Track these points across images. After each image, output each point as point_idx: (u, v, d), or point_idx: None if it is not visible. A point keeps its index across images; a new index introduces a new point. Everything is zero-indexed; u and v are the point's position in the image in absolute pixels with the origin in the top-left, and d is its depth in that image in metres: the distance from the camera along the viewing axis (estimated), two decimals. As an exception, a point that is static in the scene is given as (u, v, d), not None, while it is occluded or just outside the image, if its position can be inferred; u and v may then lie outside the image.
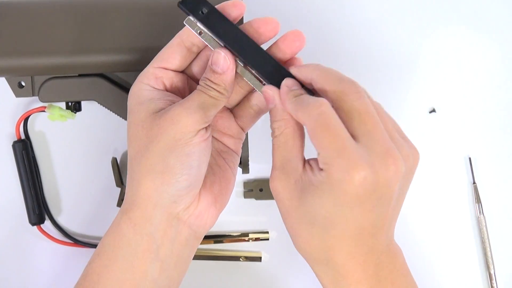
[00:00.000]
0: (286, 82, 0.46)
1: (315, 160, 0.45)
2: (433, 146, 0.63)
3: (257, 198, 0.62)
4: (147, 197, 0.46)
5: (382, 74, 0.62)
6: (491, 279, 0.62)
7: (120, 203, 0.61)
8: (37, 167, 0.62)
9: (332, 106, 0.43)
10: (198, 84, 0.47)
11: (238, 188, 0.63)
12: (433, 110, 0.62)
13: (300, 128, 0.47)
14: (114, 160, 0.62)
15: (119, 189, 0.62)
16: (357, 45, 0.62)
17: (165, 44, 0.54)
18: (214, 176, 0.50)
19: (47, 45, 0.54)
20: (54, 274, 0.63)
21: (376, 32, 0.62)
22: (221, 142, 0.52)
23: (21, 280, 0.63)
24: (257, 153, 0.62)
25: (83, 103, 0.60)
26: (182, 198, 0.47)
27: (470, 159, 0.62)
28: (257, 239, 0.63)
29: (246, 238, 0.63)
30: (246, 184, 0.63)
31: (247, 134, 0.58)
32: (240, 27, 0.48)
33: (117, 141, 0.62)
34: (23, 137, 0.62)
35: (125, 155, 0.63)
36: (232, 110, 0.52)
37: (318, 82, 0.45)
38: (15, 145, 0.61)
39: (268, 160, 0.62)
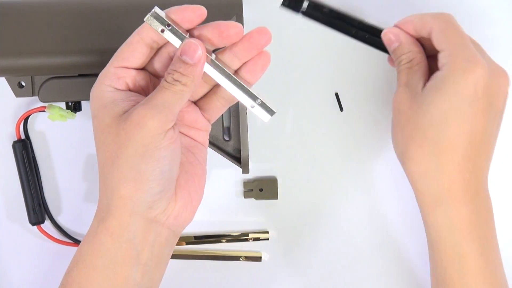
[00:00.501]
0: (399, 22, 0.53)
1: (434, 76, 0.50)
2: (433, 146, 0.63)
3: (257, 198, 0.62)
4: (122, 205, 0.45)
5: (383, 73, 0.62)
6: (491, 279, 0.62)
7: (120, 203, 0.61)
8: (37, 167, 0.62)
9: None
10: (162, 79, 0.46)
11: (238, 188, 0.63)
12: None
13: (423, 57, 0.52)
14: (114, 160, 0.62)
15: (119, 189, 0.62)
16: (357, 44, 0.62)
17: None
18: (187, 174, 0.49)
19: (47, 45, 0.54)
20: (54, 274, 0.63)
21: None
22: (188, 136, 0.51)
23: (21, 280, 0.63)
24: (257, 153, 0.62)
25: (83, 103, 0.60)
26: (158, 202, 0.46)
27: (470, 159, 0.62)
28: (257, 239, 0.63)
29: (246, 238, 0.63)
30: (246, 184, 0.63)
31: (247, 134, 0.58)
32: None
33: (117, 141, 0.62)
34: (23, 137, 0.62)
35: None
36: (197, 103, 0.51)
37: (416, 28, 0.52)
38: (15, 145, 0.61)
39: (268, 160, 0.62)
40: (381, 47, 0.54)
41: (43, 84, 0.57)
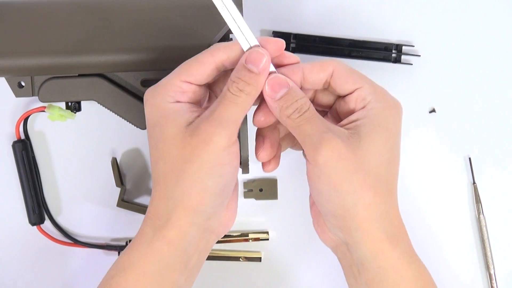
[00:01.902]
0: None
1: (345, 120, 0.48)
2: (433, 146, 0.63)
3: (257, 198, 0.62)
4: (183, 216, 0.46)
5: (382, 74, 0.62)
6: (491, 279, 0.62)
7: (120, 203, 0.61)
8: (37, 167, 0.62)
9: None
10: (225, 88, 0.46)
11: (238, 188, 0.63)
12: (433, 110, 0.62)
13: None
14: (114, 160, 0.62)
15: (119, 189, 0.62)
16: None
17: (165, 44, 0.54)
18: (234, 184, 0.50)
19: (47, 45, 0.54)
20: (54, 274, 0.63)
21: (376, 32, 0.62)
22: None
23: (21, 280, 0.63)
24: (257, 153, 0.62)
25: (83, 103, 0.59)
26: (217, 213, 0.47)
27: (470, 159, 0.62)
28: (257, 239, 0.63)
29: (246, 238, 0.63)
30: (246, 184, 0.63)
31: (247, 134, 0.58)
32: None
33: (116, 141, 0.62)
34: (23, 137, 0.62)
35: (125, 155, 0.62)
36: None
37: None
38: (15, 145, 0.61)
39: (268, 160, 0.62)
40: None
41: (43, 84, 0.57)
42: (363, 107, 0.47)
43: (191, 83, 0.47)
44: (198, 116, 0.46)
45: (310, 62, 0.48)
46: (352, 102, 0.48)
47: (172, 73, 0.48)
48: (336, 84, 0.48)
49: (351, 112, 0.48)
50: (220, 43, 0.48)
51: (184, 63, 0.48)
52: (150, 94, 0.47)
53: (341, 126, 0.47)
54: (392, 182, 0.48)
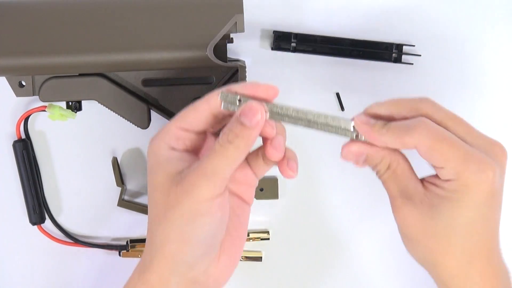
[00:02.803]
0: (360, 119, 0.46)
1: (432, 176, 0.46)
2: (433, 146, 0.63)
3: (257, 198, 0.62)
4: (164, 263, 0.46)
5: (382, 74, 0.62)
6: (491, 279, 0.62)
7: (120, 203, 0.61)
8: (37, 166, 0.62)
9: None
10: (216, 140, 0.46)
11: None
12: (433, 110, 0.63)
13: (401, 155, 0.47)
14: (114, 160, 0.62)
15: (119, 189, 0.62)
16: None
17: (164, 44, 0.54)
18: (231, 237, 0.49)
19: (47, 45, 0.54)
20: (54, 274, 0.63)
21: (376, 32, 0.62)
22: (236, 195, 0.51)
23: (21, 280, 0.63)
24: (258, 153, 0.62)
25: (83, 103, 0.59)
26: (199, 264, 0.47)
27: (470, 159, 0.62)
28: (257, 239, 0.63)
29: (247, 238, 0.63)
30: (247, 184, 0.63)
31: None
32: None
33: (117, 141, 0.62)
34: (23, 136, 0.62)
35: (125, 155, 0.62)
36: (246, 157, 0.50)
37: (392, 112, 0.46)
38: (15, 144, 0.61)
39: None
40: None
41: (44, 83, 0.57)
42: (448, 180, 0.45)
43: (187, 130, 0.47)
44: (189, 166, 0.46)
45: (394, 127, 0.45)
46: (439, 172, 0.46)
47: (170, 120, 0.48)
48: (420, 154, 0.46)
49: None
50: (218, 89, 0.48)
51: (182, 110, 0.48)
52: (150, 141, 0.48)
53: (424, 181, 0.47)
54: (489, 245, 0.46)
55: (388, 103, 0.46)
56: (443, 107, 0.46)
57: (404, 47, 0.61)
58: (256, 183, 0.52)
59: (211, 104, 0.47)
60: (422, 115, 0.45)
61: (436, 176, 0.46)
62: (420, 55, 0.62)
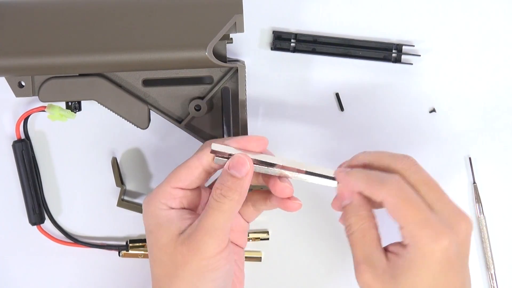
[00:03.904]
0: (340, 169, 0.49)
1: (395, 244, 0.47)
2: (433, 146, 0.63)
3: (257, 198, 0.62)
4: None
5: (382, 74, 0.62)
6: (491, 279, 0.62)
7: (120, 203, 0.61)
8: (37, 167, 0.62)
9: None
10: (210, 196, 0.47)
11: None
12: (433, 110, 0.62)
13: (373, 219, 0.48)
14: (114, 160, 0.62)
15: (119, 189, 0.62)
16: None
17: (164, 44, 0.54)
18: (233, 283, 0.51)
19: (47, 45, 0.54)
20: (54, 274, 0.63)
21: (375, 32, 0.62)
22: (231, 242, 0.52)
23: (21, 280, 0.63)
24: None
25: (83, 103, 0.59)
26: None
27: (470, 159, 0.62)
28: (257, 239, 0.62)
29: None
30: (246, 184, 0.62)
31: (247, 134, 0.58)
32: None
33: (117, 141, 0.62)
34: (23, 137, 0.61)
35: (125, 155, 0.62)
36: None
37: (373, 164, 0.48)
38: (15, 145, 0.61)
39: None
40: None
41: (43, 84, 0.57)
42: (406, 245, 0.46)
43: (182, 188, 0.49)
44: (190, 224, 0.48)
45: (368, 174, 0.48)
46: (400, 231, 0.47)
47: (164, 180, 0.50)
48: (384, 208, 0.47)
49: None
50: (207, 143, 0.50)
51: (174, 169, 0.50)
52: (145, 202, 0.50)
53: (387, 250, 0.48)
54: None
55: (372, 154, 0.49)
56: (422, 169, 0.48)
57: (404, 47, 0.61)
58: (247, 228, 0.55)
59: (202, 161, 0.49)
60: (399, 173, 0.47)
61: (399, 243, 0.47)
62: (420, 55, 0.61)
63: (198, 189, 0.51)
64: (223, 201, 0.47)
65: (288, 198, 0.51)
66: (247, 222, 0.55)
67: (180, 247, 0.47)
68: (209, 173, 0.50)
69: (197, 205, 0.51)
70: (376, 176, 0.47)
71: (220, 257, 0.47)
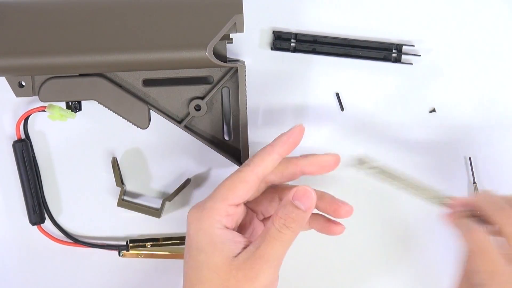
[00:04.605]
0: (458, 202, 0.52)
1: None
2: (433, 146, 0.63)
3: (257, 198, 0.62)
4: None
5: (382, 74, 0.62)
6: (491, 279, 0.62)
7: (120, 203, 0.61)
8: (37, 167, 0.62)
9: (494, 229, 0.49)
10: (270, 223, 0.47)
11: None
12: (433, 110, 0.62)
13: None
14: (114, 160, 0.62)
15: (119, 189, 0.61)
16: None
17: (164, 44, 0.54)
18: None
19: (47, 45, 0.54)
20: (54, 274, 0.63)
21: (375, 32, 0.62)
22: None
23: (21, 280, 0.63)
24: (257, 153, 0.62)
25: (83, 103, 0.60)
26: None
27: (470, 159, 0.62)
28: (257, 239, 0.62)
29: (246, 238, 0.63)
30: (246, 184, 0.62)
31: (247, 134, 0.58)
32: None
33: (117, 141, 0.62)
34: (23, 136, 0.61)
35: (125, 155, 0.62)
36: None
37: (483, 209, 0.49)
38: (15, 145, 0.61)
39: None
40: None
41: (43, 84, 0.57)
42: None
43: (237, 205, 0.48)
44: (244, 247, 0.47)
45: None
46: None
47: (216, 194, 0.48)
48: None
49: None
50: (256, 155, 0.49)
51: (226, 182, 0.48)
52: (195, 217, 0.48)
53: None
54: None
55: (484, 201, 0.50)
56: None
57: (404, 47, 0.61)
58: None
59: (258, 172, 0.48)
60: (501, 222, 0.48)
61: None
62: (420, 55, 0.61)
63: (241, 205, 0.50)
64: (285, 232, 0.46)
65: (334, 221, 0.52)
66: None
67: (235, 272, 0.46)
68: (260, 186, 0.49)
69: (240, 223, 0.51)
70: (469, 223, 0.50)
71: (273, 286, 0.47)
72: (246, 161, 0.50)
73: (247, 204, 0.52)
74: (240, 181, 0.48)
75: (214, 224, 0.47)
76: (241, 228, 0.52)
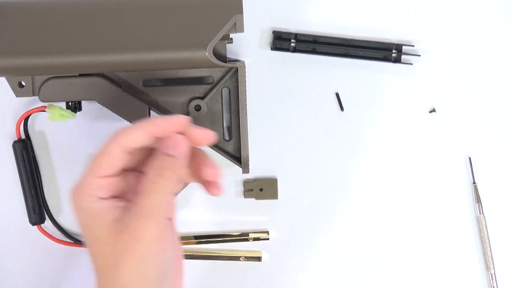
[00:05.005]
0: None
1: None
2: (433, 146, 0.63)
3: (257, 198, 0.62)
4: None
5: (382, 74, 0.62)
6: (491, 279, 0.62)
7: (120, 203, 0.61)
8: (37, 167, 0.62)
9: None
10: (146, 177, 0.45)
11: (238, 188, 0.63)
12: (433, 110, 0.62)
13: None
14: (114, 160, 0.62)
15: (119, 189, 0.62)
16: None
17: (164, 44, 0.54)
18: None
19: (47, 45, 0.54)
20: (54, 274, 0.63)
21: (375, 32, 0.62)
22: None
23: (21, 280, 0.63)
24: (257, 153, 0.62)
25: (83, 103, 0.60)
26: None
27: (470, 159, 0.62)
28: (257, 239, 0.63)
29: (246, 238, 0.63)
30: (246, 184, 0.63)
31: (247, 134, 0.58)
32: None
33: (117, 141, 0.62)
34: (23, 137, 0.61)
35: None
36: None
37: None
38: (15, 145, 0.61)
39: (268, 160, 0.62)
40: None
41: (43, 84, 0.57)
42: None
43: (107, 176, 0.47)
44: (125, 210, 0.46)
45: None
46: None
47: (85, 170, 0.47)
48: None
49: None
50: (125, 128, 0.48)
51: (94, 156, 0.47)
52: (73, 197, 0.47)
53: None
54: None
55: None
56: None
57: (404, 47, 0.61)
58: (174, 201, 0.51)
59: (121, 144, 0.47)
60: None
61: None
62: (420, 55, 0.61)
63: (124, 173, 0.49)
64: (159, 181, 0.45)
65: (213, 182, 0.49)
66: (174, 196, 0.51)
67: (121, 235, 0.45)
68: (132, 154, 0.48)
69: (126, 190, 0.49)
70: None
71: (162, 240, 0.45)
72: (114, 132, 0.49)
73: (139, 167, 0.50)
74: (104, 154, 0.47)
75: (87, 198, 0.46)
76: (135, 194, 0.49)
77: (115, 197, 0.48)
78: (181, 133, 0.47)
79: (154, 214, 0.45)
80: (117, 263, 0.45)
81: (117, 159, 0.47)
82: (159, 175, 0.45)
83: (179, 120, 0.48)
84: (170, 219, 0.50)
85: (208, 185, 0.50)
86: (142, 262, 0.45)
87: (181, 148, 0.46)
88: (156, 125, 0.47)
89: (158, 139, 0.47)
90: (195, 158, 0.49)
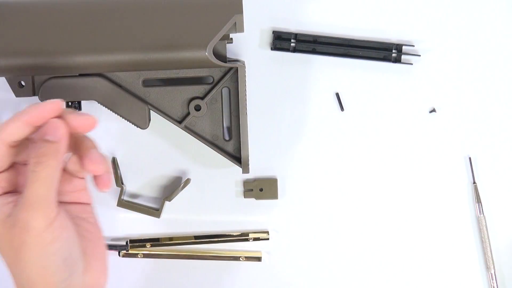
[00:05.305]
0: None
1: None
2: (433, 146, 0.63)
3: (257, 198, 0.62)
4: None
5: (382, 74, 0.62)
6: (491, 279, 0.62)
7: (120, 203, 0.61)
8: (37, 167, 0.62)
9: None
10: (28, 167, 0.44)
11: (238, 188, 0.63)
12: (433, 110, 0.62)
13: None
14: (114, 160, 0.62)
15: (119, 189, 0.62)
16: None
17: (164, 44, 0.54)
18: (90, 241, 0.48)
19: (47, 45, 0.54)
20: None
21: (375, 32, 0.62)
22: (73, 203, 0.50)
23: None
24: (257, 153, 0.62)
25: (83, 103, 0.59)
26: (74, 282, 0.46)
27: (470, 159, 0.62)
28: (257, 239, 0.63)
29: (246, 238, 0.63)
30: (246, 184, 0.63)
31: (247, 134, 0.58)
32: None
33: (117, 141, 0.62)
34: (23, 137, 0.61)
35: (125, 155, 0.62)
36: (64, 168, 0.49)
37: None
38: (15, 145, 0.61)
39: (268, 160, 0.62)
40: None
41: (43, 84, 0.57)
42: None
43: None
44: (16, 204, 0.45)
45: None
46: None
47: None
48: None
49: None
50: (3, 122, 0.46)
51: None
52: None
53: None
54: None
55: None
56: None
57: (404, 47, 0.61)
58: (85, 183, 0.50)
59: (2, 139, 0.45)
60: None
61: None
62: (420, 55, 0.61)
63: (14, 167, 0.48)
64: (39, 169, 0.44)
65: (99, 176, 0.48)
66: (82, 178, 0.50)
67: (13, 230, 0.44)
68: (16, 147, 0.46)
69: (20, 183, 0.48)
70: None
71: (53, 228, 0.44)
72: None
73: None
74: None
75: None
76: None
77: (8, 192, 0.47)
78: (59, 118, 0.46)
79: (39, 203, 0.44)
80: (18, 257, 0.45)
81: (1, 155, 0.46)
82: (38, 162, 0.44)
83: (52, 105, 0.46)
84: (84, 202, 0.50)
85: (95, 178, 0.48)
86: (38, 253, 0.44)
87: (57, 132, 0.45)
88: (30, 114, 0.45)
89: (39, 127, 0.46)
90: (81, 149, 0.48)
